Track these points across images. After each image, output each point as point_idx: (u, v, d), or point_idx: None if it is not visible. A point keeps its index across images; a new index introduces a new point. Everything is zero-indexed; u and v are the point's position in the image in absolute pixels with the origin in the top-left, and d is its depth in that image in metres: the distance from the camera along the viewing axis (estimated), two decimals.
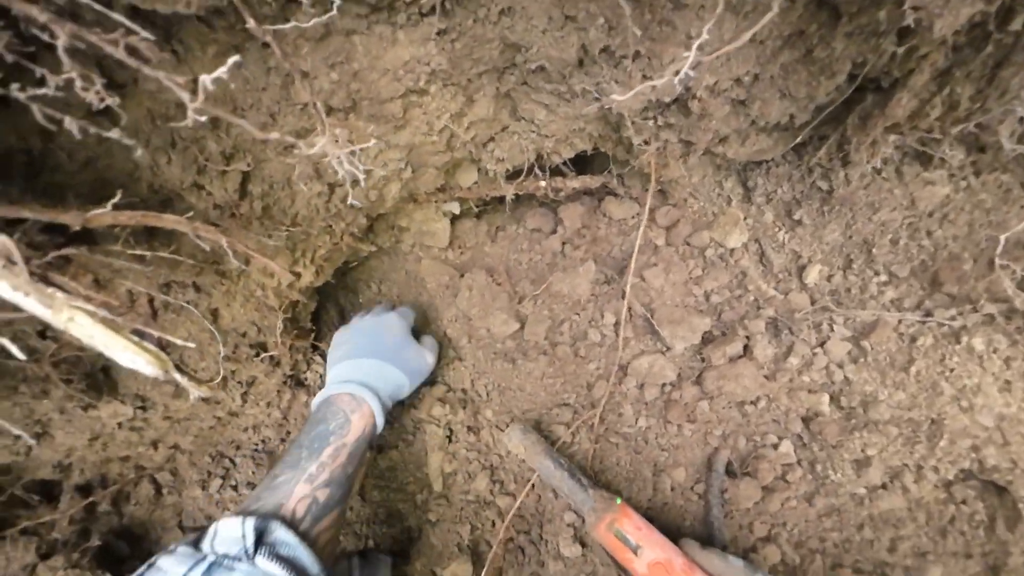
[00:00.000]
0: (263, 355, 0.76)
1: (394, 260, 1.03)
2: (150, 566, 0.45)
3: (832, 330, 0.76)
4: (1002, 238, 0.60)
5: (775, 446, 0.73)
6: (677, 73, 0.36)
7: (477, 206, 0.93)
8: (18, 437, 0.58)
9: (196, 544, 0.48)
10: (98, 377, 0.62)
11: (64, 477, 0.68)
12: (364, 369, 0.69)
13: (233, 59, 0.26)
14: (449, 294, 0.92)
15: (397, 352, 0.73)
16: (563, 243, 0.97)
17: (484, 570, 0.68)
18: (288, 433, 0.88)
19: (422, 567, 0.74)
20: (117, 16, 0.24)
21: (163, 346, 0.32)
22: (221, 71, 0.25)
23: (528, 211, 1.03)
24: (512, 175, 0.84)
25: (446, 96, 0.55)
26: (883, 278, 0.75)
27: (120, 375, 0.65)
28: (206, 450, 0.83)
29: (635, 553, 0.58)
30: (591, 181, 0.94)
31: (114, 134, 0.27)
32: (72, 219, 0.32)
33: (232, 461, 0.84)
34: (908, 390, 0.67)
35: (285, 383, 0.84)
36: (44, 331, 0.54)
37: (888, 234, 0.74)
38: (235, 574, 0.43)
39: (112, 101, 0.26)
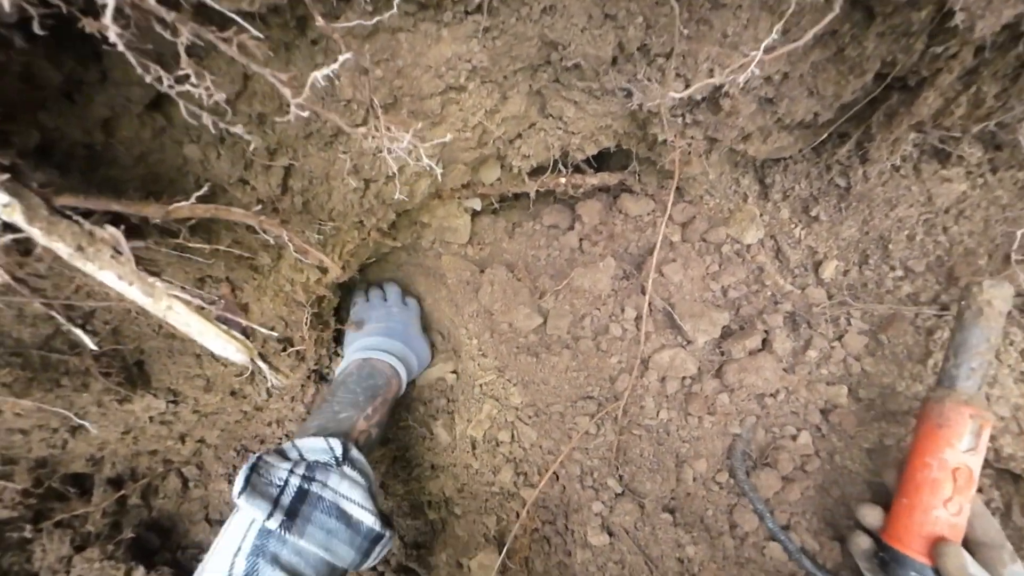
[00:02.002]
0: (290, 349, 0.77)
1: (412, 256, 1.04)
2: (259, 458, 0.52)
3: (849, 324, 0.77)
4: (1018, 233, 0.62)
5: (794, 437, 0.75)
6: (742, 70, 0.37)
7: (497, 203, 0.94)
8: (56, 430, 0.58)
9: (281, 454, 0.55)
10: (133, 371, 0.63)
11: (96, 470, 0.69)
12: (397, 348, 0.82)
13: (344, 56, 0.27)
14: (470, 290, 0.93)
15: (417, 342, 0.87)
16: (580, 239, 0.98)
17: (501, 555, 0.70)
18: None
19: (448, 558, 0.75)
20: (231, 15, 0.25)
21: (247, 334, 0.33)
22: (332, 68, 0.26)
23: (544, 208, 1.04)
24: (534, 172, 0.85)
25: (483, 93, 0.55)
26: (899, 273, 0.77)
27: (154, 369, 0.66)
28: (231, 444, 0.84)
29: None
30: (609, 178, 0.95)
31: (239, 130, 0.28)
32: (155, 212, 0.33)
33: None
34: (926, 382, 0.69)
35: (309, 377, 0.85)
36: (85, 324, 0.55)
37: (905, 230, 0.76)
38: (332, 473, 0.53)
39: (220, 96, 0.27)
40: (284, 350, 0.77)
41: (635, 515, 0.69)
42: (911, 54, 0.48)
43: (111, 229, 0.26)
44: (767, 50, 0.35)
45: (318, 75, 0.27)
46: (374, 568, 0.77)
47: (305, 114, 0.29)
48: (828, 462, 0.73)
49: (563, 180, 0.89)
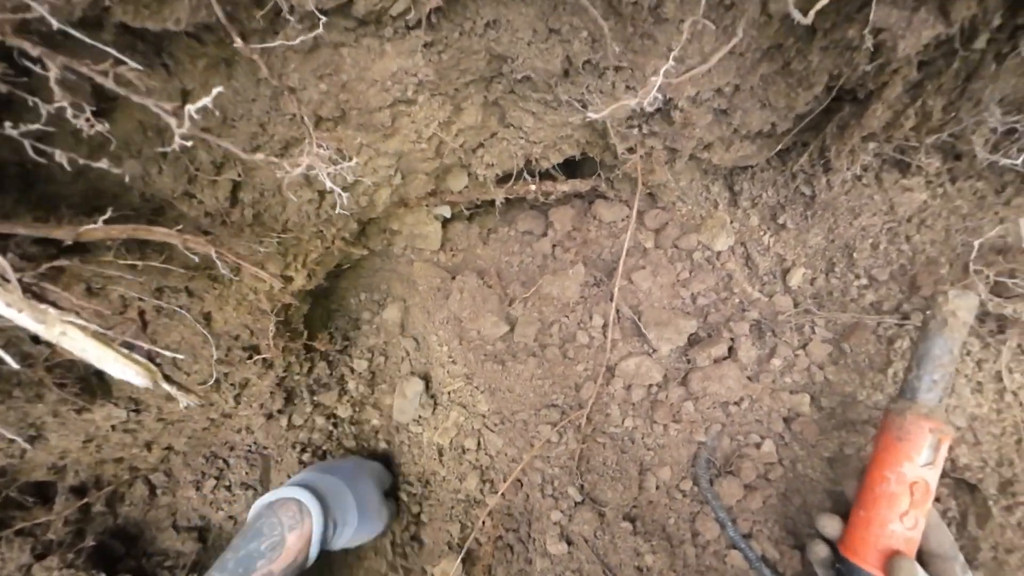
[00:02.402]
0: (256, 357, 0.77)
1: (385, 262, 1.04)
2: None
3: (814, 332, 0.77)
4: (976, 243, 0.62)
5: (758, 445, 0.75)
6: (653, 88, 0.37)
7: (468, 209, 0.94)
8: (12, 440, 0.59)
9: None
10: (91, 381, 0.63)
11: (59, 479, 0.69)
12: (327, 483, 0.65)
13: (216, 90, 0.27)
14: (441, 296, 0.93)
15: (365, 493, 0.69)
16: (554, 245, 0.99)
17: (456, 560, 0.70)
18: (279, 433, 0.89)
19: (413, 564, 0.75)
20: (106, 48, 0.25)
21: (152, 357, 0.33)
22: (205, 101, 0.26)
23: (519, 214, 1.04)
24: (502, 179, 0.85)
25: (434, 105, 0.56)
26: (864, 281, 0.77)
27: (113, 379, 0.66)
28: (200, 451, 0.84)
29: None
30: (581, 184, 0.95)
31: (103, 164, 0.28)
32: (65, 234, 0.33)
33: (226, 462, 0.86)
34: (886, 391, 0.69)
35: (278, 385, 0.85)
36: (37, 337, 0.55)
37: (869, 238, 0.76)
38: None
39: (102, 127, 0.27)
40: (250, 358, 0.77)
41: (594, 524, 0.69)
42: (855, 68, 0.49)
43: None
44: (667, 75, 0.35)
45: (191, 108, 0.27)
46: None
47: (189, 143, 0.29)
48: (791, 470, 0.73)
49: (532, 187, 0.89)
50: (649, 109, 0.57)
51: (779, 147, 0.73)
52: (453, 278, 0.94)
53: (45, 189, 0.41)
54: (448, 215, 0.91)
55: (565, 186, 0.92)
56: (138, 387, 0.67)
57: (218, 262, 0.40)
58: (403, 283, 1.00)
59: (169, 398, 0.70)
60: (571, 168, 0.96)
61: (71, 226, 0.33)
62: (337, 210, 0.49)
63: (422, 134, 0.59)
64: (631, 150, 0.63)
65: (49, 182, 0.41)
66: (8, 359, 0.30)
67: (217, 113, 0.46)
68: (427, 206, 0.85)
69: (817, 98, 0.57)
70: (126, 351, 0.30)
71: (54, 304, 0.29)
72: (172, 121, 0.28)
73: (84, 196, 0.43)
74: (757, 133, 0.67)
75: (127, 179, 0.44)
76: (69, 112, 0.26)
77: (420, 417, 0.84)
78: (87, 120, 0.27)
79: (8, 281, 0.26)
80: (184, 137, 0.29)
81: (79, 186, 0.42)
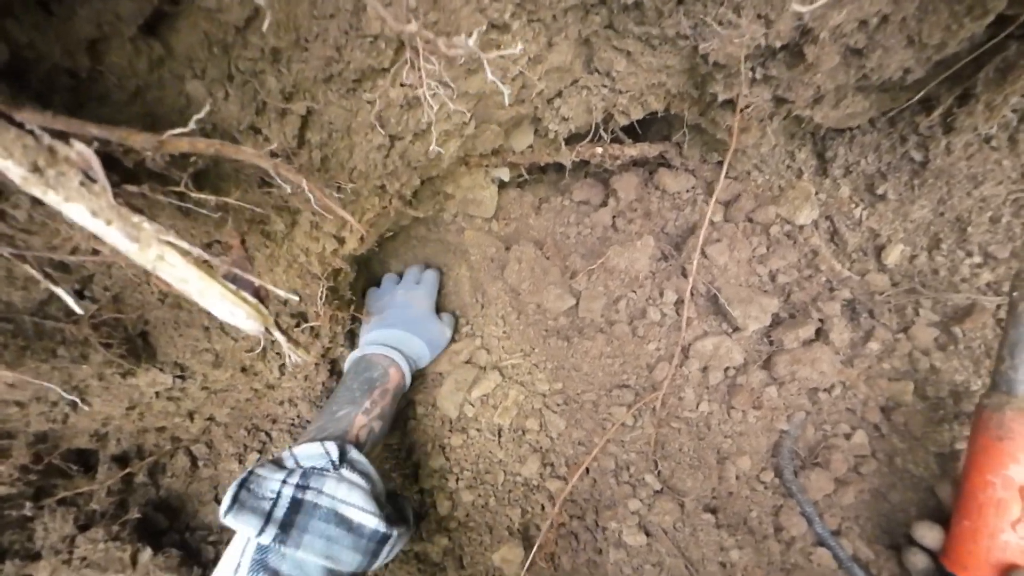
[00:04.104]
0: (303, 325, 0.72)
1: (432, 231, 0.97)
2: (250, 472, 0.51)
3: (917, 314, 0.70)
4: None
5: (848, 436, 0.68)
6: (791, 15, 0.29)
7: (526, 174, 0.87)
8: (55, 403, 0.54)
9: (277, 464, 0.53)
10: (137, 343, 0.58)
11: (100, 447, 0.65)
12: (395, 336, 0.77)
13: None
14: (495, 267, 0.86)
15: (422, 325, 0.80)
16: (614, 216, 0.91)
17: (532, 553, 0.65)
18: (322, 406, 0.84)
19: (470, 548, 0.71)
20: None
21: (261, 297, 0.27)
22: None
23: (575, 183, 0.97)
24: (569, 139, 0.77)
25: (528, 35, 0.48)
26: (978, 259, 0.69)
27: (160, 341, 0.61)
28: (242, 423, 0.79)
29: None
30: (649, 149, 0.87)
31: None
32: (145, 141, 0.27)
33: (268, 435, 0.81)
34: None
35: (323, 355, 0.80)
36: (83, 290, 0.50)
37: (988, 211, 0.68)
38: (328, 479, 0.51)
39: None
40: (298, 325, 0.71)
41: (675, 514, 0.63)
42: None
43: (79, 146, 0.20)
44: None
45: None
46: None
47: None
48: (887, 464, 0.66)
49: (600, 150, 0.82)
50: (776, 44, 0.49)
51: (896, 106, 0.64)
52: (507, 248, 0.88)
53: (98, 110, 0.35)
54: (506, 178, 0.83)
55: (633, 150, 0.84)
56: (185, 349, 0.62)
57: (310, 196, 0.34)
58: (451, 253, 0.93)
59: (216, 364, 0.65)
60: (636, 134, 0.88)
61: (152, 134, 0.27)
62: (432, 146, 0.42)
63: (508, 72, 0.52)
64: (739, 97, 0.55)
65: (103, 102, 0.35)
66: (71, 302, 0.24)
67: (292, 29, 0.39)
68: (486, 167, 0.78)
69: (973, 38, 0.49)
70: (233, 287, 0.24)
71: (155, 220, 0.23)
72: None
73: (140, 121, 0.37)
74: (881, 85, 0.58)
75: (188, 102, 0.38)
76: None
77: (469, 403, 0.78)
78: None
79: (95, 182, 0.20)
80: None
81: (136, 109, 0.36)
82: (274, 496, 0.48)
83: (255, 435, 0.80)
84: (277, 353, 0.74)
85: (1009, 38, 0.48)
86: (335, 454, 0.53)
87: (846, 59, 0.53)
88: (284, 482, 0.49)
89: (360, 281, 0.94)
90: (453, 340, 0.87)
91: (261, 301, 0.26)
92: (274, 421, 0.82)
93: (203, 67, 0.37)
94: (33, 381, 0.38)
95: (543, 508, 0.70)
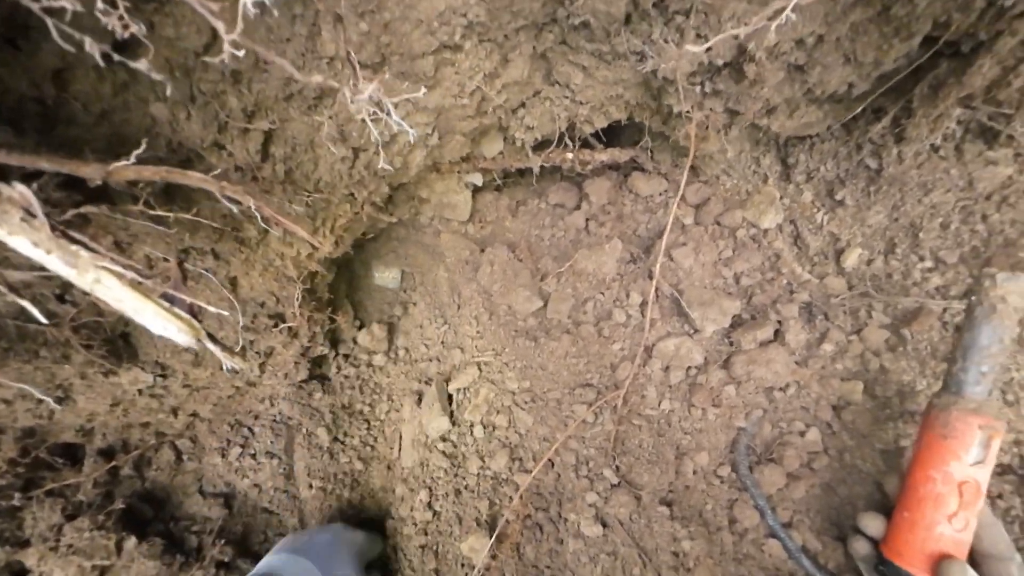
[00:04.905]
0: (281, 326, 0.75)
1: (411, 233, 1.00)
2: None
3: (870, 317, 0.72)
4: None
5: (802, 433, 0.71)
6: (728, 36, 0.32)
7: (499, 179, 0.89)
8: (40, 401, 0.57)
9: None
10: (118, 343, 0.61)
11: (87, 441, 0.68)
12: (299, 568, 0.65)
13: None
14: (469, 269, 0.89)
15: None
16: (587, 219, 0.94)
17: (491, 542, 0.68)
18: (302, 403, 0.88)
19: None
20: None
21: (195, 313, 0.30)
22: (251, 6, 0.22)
23: (551, 186, 0.99)
24: (539, 146, 0.80)
25: (480, 54, 0.51)
26: (928, 264, 0.71)
27: (140, 342, 0.64)
28: (225, 418, 0.83)
29: None
30: (620, 154, 0.89)
31: (141, 65, 0.24)
32: (93, 172, 0.29)
33: (251, 430, 0.85)
34: None
35: (303, 354, 0.83)
36: (63, 295, 0.53)
37: (938, 217, 0.70)
38: None
39: (137, 30, 0.23)
40: (275, 326, 0.75)
41: (631, 507, 0.66)
42: (969, 13, 0.42)
43: (20, 187, 0.23)
44: (745, 20, 0.30)
45: (247, 2, 0.23)
46: None
47: (241, 53, 0.25)
48: (837, 460, 0.69)
49: (570, 155, 0.84)
50: (719, 62, 0.52)
51: (849, 115, 0.66)
52: (482, 251, 0.90)
53: (67, 132, 0.37)
54: (479, 183, 0.86)
55: (604, 155, 0.87)
56: (165, 349, 0.65)
57: (256, 214, 0.37)
58: (429, 255, 0.96)
59: (196, 362, 0.68)
60: (609, 137, 0.90)
61: (100, 164, 0.30)
62: (381, 163, 0.45)
63: (465, 87, 0.54)
64: (687, 113, 0.57)
65: (71, 124, 0.37)
66: (36, 313, 0.27)
67: (250, 53, 0.42)
68: (459, 172, 0.81)
69: (911, 53, 0.51)
70: (166, 304, 0.27)
71: (85, 247, 0.26)
72: (221, 26, 0.24)
73: (108, 142, 0.40)
74: (829, 96, 0.61)
75: (154, 122, 0.40)
76: (99, 5, 0.22)
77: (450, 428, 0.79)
78: (120, 19, 0.23)
79: (35, 217, 0.23)
80: (235, 45, 0.24)
81: (103, 130, 0.39)
82: None
83: (238, 430, 0.84)
84: (257, 352, 0.77)
85: (939, 56, 0.50)
86: None
87: (790, 74, 0.55)
88: None
89: (341, 283, 0.97)
90: None
91: (195, 316, 0.29)
92: (256, 417, 0.85)
93: (165, 89, 0.40)
94: (12, 384, 0.41)
95: (511, 500, 0.74)
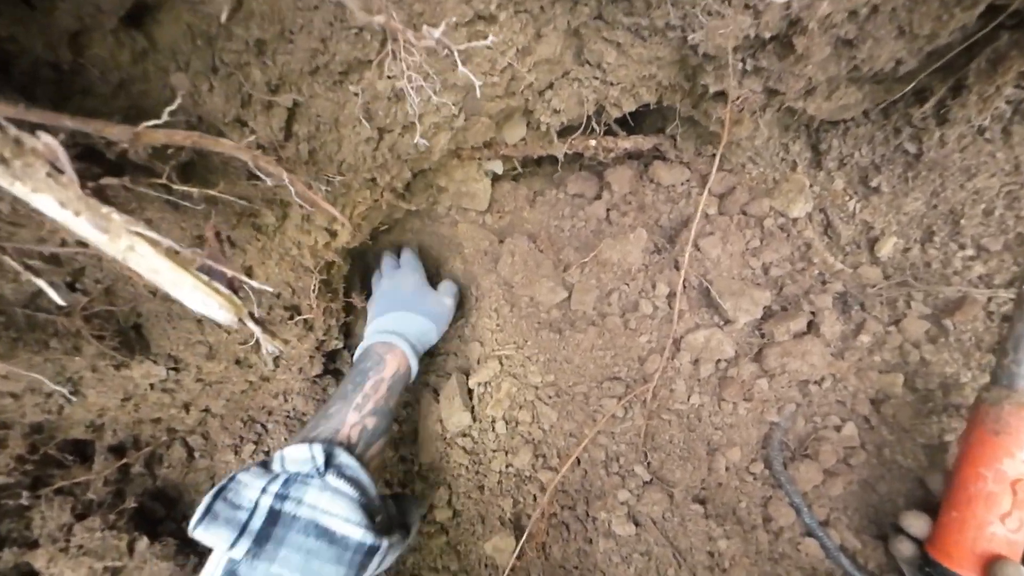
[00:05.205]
0: (297, 318, 0.72)
1: (427, 224, 0.97)
2: (232, 478, 0.48)
3: (909, 307, 0.70)
4: None
5: (838, 428, 0.69)
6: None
7: (520, 167, 0.86)
8: (49, 395, 0.55)
9: (265, 467, 0.51)
10: (130, 335, 0.59)
11: (97, 437, 0.66)
12: (389, 322, 0.74)
13: None
14: (488, 260, 0.87)
15: (415, 301, 0.77)
16: (608, 209, 0.91)
17: (521, 541, 0.66)
18: (317, 399, 0.85)
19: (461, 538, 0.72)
20: None
21: (234, 288, 0.27)
22: None
23: (569, 176, 0.96)
24: (562, 131, 0.77)
25: (515, 26, 0.48)
26: (970, 252, 0.69)
27: (153, 334, 0.61)
28: (238, 415, 0.80)
29: None
30: (643, 142, 0.87)
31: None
32: (120, 133, 0.27)
33: (264, 427, 0.82)
34: None
35: (318, 348, 0.80)
36: (74, 283, 0.50)
37: (981, 203, 0.67)
38: (310, 487, 0.48)
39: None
40: (291, 318, 0.72)
41: (664, 505, 0.64)
42: None
43: (46, 138, 0.21)
44: None
45: None
46: None
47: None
48: (876, 456, 0.67)
49: (593, 142, 0.81)
50: (766, 34, 0.49)
51: (889, 97, 0.64)
52: (501, 241, 0.88)
53: (82, 103, 0.35)
54: (500, 171, 0.83)
55: (627, 143, 0.84)
56: (178, 341, 0.62)
57: (291, 189, 0.34)
58: (446, 246, 0.94)
59: (210, 356, 0.66)
60: (630, 126, 0.87)
61: (127, 125, 0.27)
62: (417, 139, 0.42)
63: (496, 64, 0.51)
64: (732, 89, 0.55)
65: (87, 94, 0.35)
66: (53, 294, 0.25)
67: (276, 21, 0.39)
68: (479, 159, 0.78)
69: (965, 28, 0.48)
70: (205, 277, 0.24)
71: (124, 211, 0.23)
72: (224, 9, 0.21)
73: (126, 114, 0.37)
74: (873, 76, 0.58)
75: (173, 94, 0.38)
76: None
77: (472, 418, 0.78)
78: None
79: (62, 173, 0.20)
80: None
81: (120, 102, 0.36)
82: (251, 507, 0.45)
83: (251, 427, 0.81)
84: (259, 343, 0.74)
85: (1000, 28, 0.48)
86: (320, 459, 0.50)
87: (837, 50, 0.52)
88: (264, 491, 0.47)
89: (355, 274, 0.95)
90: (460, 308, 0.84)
91: (235, 292, 0.26)
92: (270, 413, 0.83)
93: (187, 59, 0.38)
94: (23, 375, 0.38)
95: (535, 498, 0.71)
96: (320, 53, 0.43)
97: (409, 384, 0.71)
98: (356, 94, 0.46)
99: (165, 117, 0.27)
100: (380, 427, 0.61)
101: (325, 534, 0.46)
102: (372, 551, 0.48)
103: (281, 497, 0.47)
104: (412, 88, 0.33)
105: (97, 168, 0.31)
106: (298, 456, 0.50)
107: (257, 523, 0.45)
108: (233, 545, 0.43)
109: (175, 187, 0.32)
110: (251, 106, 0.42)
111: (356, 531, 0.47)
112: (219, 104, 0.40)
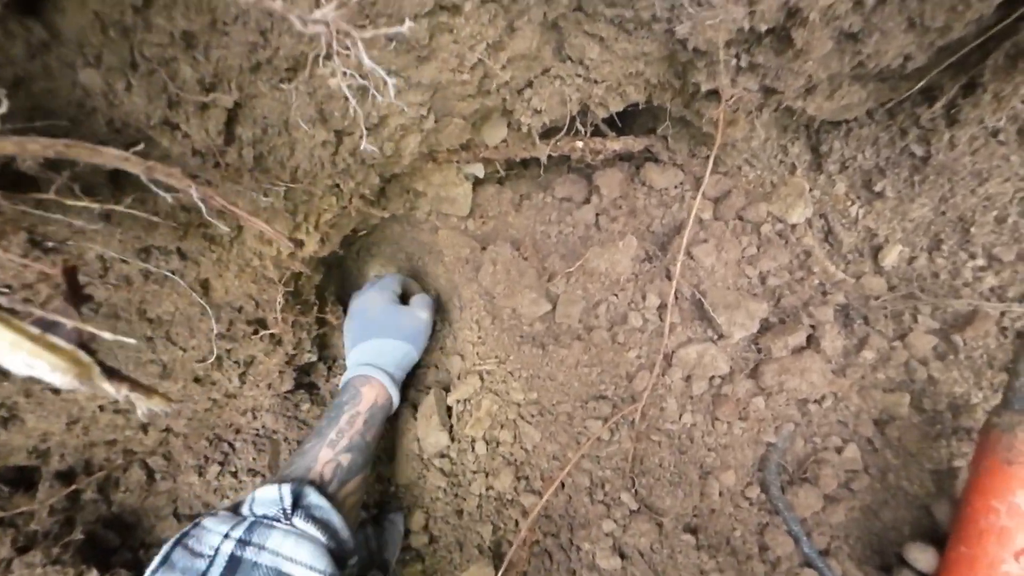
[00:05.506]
0: (262, 332, 0.67)
1: (406, 230, 0.93)
2: (195, 524, 0.47)
3: (915, 321, 0.65)
4: None
5: (839, 450, 0.64)
6: None
7: (502, 170, 0.82)
8: None
9: (235, 509, 0.50)
10: None
11: (42, 463, 0.61)
12: (365, 352, 0.72)
13: None
14: (469, 269, 0.82)
15: (387, 324, 0.74)
16: (597, 214, 0.86)
17: (501, 573, 0.62)
18: (288, 415, 0.81)
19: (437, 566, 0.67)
20: None
21: (85, 342, 0.23)
22: None
23: (556, 178, 0.92)
24: (546, 133, 0.72)
25: (483, 18, 0.43)
26: (980, 262, 0.64)
27: (98, 351, 0.57)
28: (203, 433, 0.76)
29: None
30: (634, 143, 0.82)
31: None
32: None
33: (231, 445, 0.78)
34: None
35: (288, 363, 0.76)
36: None
37: (993, 210, 0.63)
38: (275, 532, 0.46)
39: None
40: (255, 333, 0.67)
41: (652, 535, 0.60)
42: None
43: None
44: None
45: None
46: None
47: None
48: (879, 481, 0.62)
49: (580, 144, 0.76)
50: (761, 27, 0.44)
51: (895, 96, 0.59)
52: (483, 249, 0.83)
53: None
54: (480, 175, 0.79)
55: (617, 144, 0.79)
56: (127, 360, 0.58)
57: (201, 207, 0.29)
58: (428, 253, 0.89)
59: (164, 375, 0.61)
60: (620, 125, 0.83)
61: None
62: (363, 144, 0.38)
63: (464, 60, 0.47)
64: (724, 87, 0.50)
65: None
66: None
67: (206, 11, 0.34)
68: (457, 163, 0.73)
69: (980, 20, 0.44)
70: (35, 330, 0.20)
71: None
72: None
73: (29, 116, 0.32)
74: (878, 73, 0.53)
75: (85, 94, 0.33)
76: None
77: (450, 440, 0.73)
78: None
79: None
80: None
81: (19, 103, 0.31)
82: (212, 554, 0.44)
83: (217, 446, 0.77)
84: (235, 361, 0.70)
85: (1020, 20, 0.43)
86: (288, 500, 0.48)
87: (840, 44, 0.48)
88: (226, 536, 0.45)
89: (330, 284, 0.90)
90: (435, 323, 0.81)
91: (86, 347, 0.22)
92: (237, 431, 0.78)
93: (98, 53, 0.33)
94: None
95: (516, 524, 0.67)
96: (260, 47, 0.38)
97: (390, 414, 0.69)
98: (306, 93, 0.42)
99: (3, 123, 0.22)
100: (356, 463, 0.59)
101: None
102: None
103: (243, 543, 0.45)
104: (370, 86, 0.29)
105: None
106: (267, 497, 0.49)
107: (216, 572, 0.43)
108: None
109: (69, 203, 0.28)
110: (181, 107, 0.37)
111: None
112: (140, 105, 0.35)
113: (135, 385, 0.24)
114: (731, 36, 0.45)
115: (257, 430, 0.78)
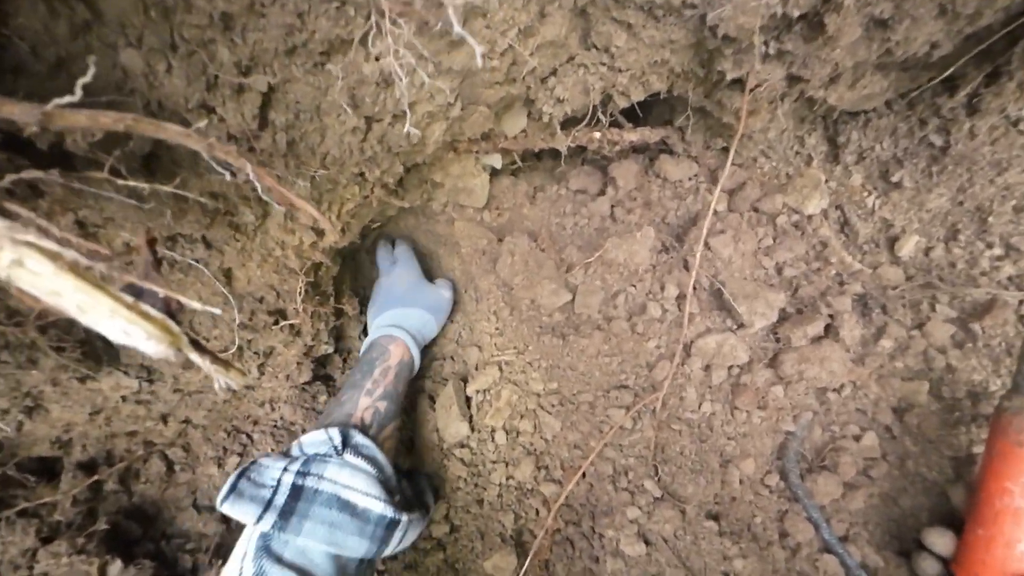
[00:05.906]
0: (282, 323, 0.67)
1: (422, 222, 0.93)
2: (253, 462, 0.51)
3: (934, 310, 0.66)
4: None
5: (857, 438, 0.65)
6: None
7: (519, 161, 0.81)
8: (6, 411, 0.50)
9: (284, 454, 0.53)
10: (96, 345, 0.54)
11: (64, 454, 0.61)
12: (391, 316, 0.76)
13: None
14: (487, 260, 0.82)
15: (413, 297, 0.78)
16: (613, 206, 0.86)
17: (527, 561, 0.62)
18: (307, 407, 0.81)
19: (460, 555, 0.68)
20: None
21: (172, 311, 0.23)
22: None
23: (571, 170, 0.92)
24: (565, 123, 0.72)
25: (517, 2, 0.43)
26: (998, 251, 0.65)
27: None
28: (221, 425, 0.75)
29: None
30: (651, 134, 0.82)
31: None
32: (23, 114, 0.22)
33: (249, 437, 0.77)
34: None
35: (306, 354, 0.76)
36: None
37: (1012, 200, 0.63)
38: (329, 465, 0.50)
39: None
40: (276, 323, 0.67)
41: (676, 522, 0.60)
42: None
43: None
44: None
45: None
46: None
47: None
48: (898, 468, 0.63)
49: (598, 135, 0.76)
50: (794, 13, 0.44)
51: (916, 85, 0.59)
52: (500, 240, 0.83)
53: (13, 83, 0.30)
54: (498, 166, 0.78)
55: (634, 135, 0.79)
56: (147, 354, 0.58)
57: (257, 185, 0.29)
58: (444, 245, 0.89)
59: (188, 365, 0.61)
60: (636, 117, 0.83)
61: (33, 104, 0.22)
62: (408, 128, 0.37)
63: (496, 45, 0.46)
64: (739, 81, 0.50)
65: (17, 74, 0.30)
66: None
67: None
68: (476, 153, 0.73)
69: (1011, 7, 0.44)
70: (129, 299, 0.20)
71: (8, 216, 0.18)
72: None
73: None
74: (903, 62, 0.54)
75: (125, 75, 0.32)
76: None
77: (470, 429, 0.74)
78: None
79: None
80: None
81: (58, 83, 0.31)
82: (274, 484, 0.47)
83: (235, 437, 0.77)
84: (255, 352, 0.70)
85: None
86: (338, 439, 0.52)
87: (869, 31, 0.48)
88: (285, 470, 0.49)
89: (346, 275, 0.90)
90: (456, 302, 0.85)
91: (172, 316, 0.22)
92: (255, 423, 0.78)
93: (139, 34, 0.32)
94: None
95: (537, 513, 0.67)
96: (297, 30, 0.38)
97: (413, 374, 0.73)
98: (340, 77, 0.41)
99: (78, 93, 0.22)
100: (391, 410, 0.64)
101: (347, 507, 0.48)
102: (393, 524, 0.50)
103: (302, 474, 0.48)
104: (402, 70, 0.28)
105: (23, 159, 0.26)
106: (315, 439, 0.53)
107: (281, 499, 0.47)
108: (259, 519, 0.45)
109: (120, 183, 0.28)
110: (218, 90, 0.37)
111: (377, 504, 0.49)
112: (180, 87, 0.35)
113: (215, 358, 0.24)
114: (764, 22, 0.45)
115: (275, 421, 0.78)
